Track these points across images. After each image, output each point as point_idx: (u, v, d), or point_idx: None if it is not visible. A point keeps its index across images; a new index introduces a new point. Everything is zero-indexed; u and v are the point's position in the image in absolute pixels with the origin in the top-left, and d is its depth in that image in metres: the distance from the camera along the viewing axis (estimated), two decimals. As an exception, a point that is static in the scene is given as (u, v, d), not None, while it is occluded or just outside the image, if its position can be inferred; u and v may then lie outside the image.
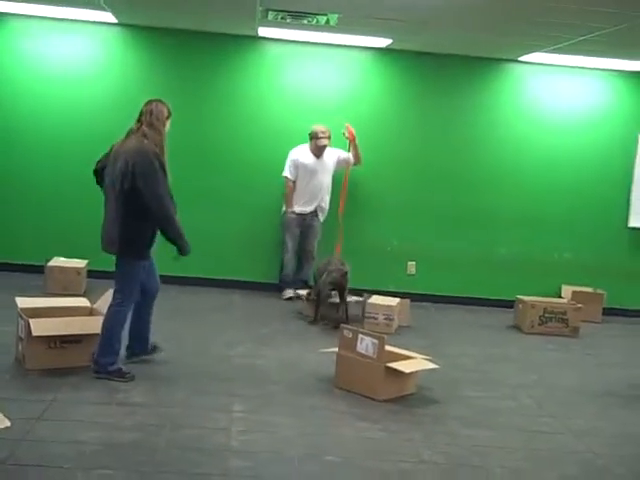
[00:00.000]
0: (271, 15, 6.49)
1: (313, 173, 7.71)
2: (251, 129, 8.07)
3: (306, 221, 7.80)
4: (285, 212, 7.81)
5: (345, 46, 7.96)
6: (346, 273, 6.82)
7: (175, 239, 5.01)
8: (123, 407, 4.48)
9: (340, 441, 4.29)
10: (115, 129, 7.84)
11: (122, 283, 5.09)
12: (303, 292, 7.36)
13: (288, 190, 7.74)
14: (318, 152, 7.69)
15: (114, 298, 5.07)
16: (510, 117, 8.28)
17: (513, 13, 5.91)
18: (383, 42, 7.67)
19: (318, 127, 7.66)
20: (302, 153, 7.72)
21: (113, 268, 7.55)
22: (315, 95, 8.12)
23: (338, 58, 8.10)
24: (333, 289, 6.88)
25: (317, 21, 6.54)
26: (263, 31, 7.57)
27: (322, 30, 7.15)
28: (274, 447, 4.11)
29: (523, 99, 8.28)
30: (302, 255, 7.92)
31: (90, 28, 7.86)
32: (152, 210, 4.92)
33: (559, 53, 7.38)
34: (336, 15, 6.37)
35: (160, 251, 5.27)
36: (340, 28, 6.97)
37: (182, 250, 5.06)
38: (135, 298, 5.11)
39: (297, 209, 7.76)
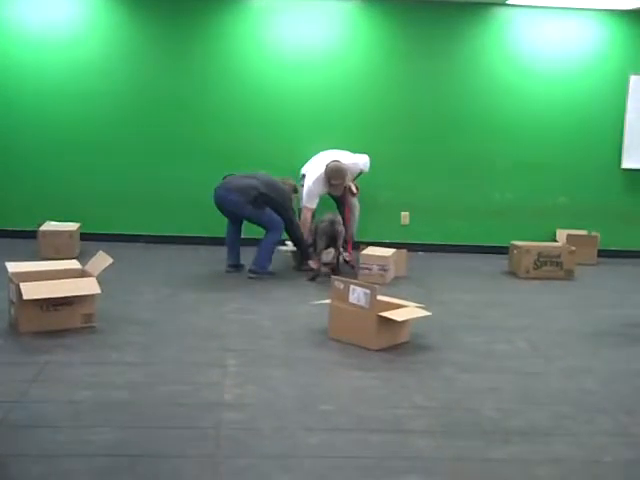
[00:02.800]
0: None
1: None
2: (236, 85, 8.02)
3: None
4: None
5: (330, -3, 7.86)
6: (334, 222, 6.78)
7: None
8: (116, 366, 4.49)
9: (334, 391, 4.30)
10: (99, 90, 7.91)
11: None
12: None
13: (305, 219, 7.19)
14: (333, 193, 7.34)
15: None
16: (500, 62, 8.20)
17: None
18: (368, -11, 7.56)
19: (330, 172, 7.06)
20: (320, 185, 7.16)
21: (104, 230, 7.67)
22: (300, 49, 8.04)
23: (322, 10, 8.00)
24: (328, 243, 6.85)
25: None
26: (246, -16, 7.47)
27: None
28: (268, 399, 4.11)
29: (513, 43, 8.19)
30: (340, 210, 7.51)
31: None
32: None
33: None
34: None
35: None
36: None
37: None
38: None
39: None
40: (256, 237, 6.95)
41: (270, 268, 6.94)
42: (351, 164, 7.35)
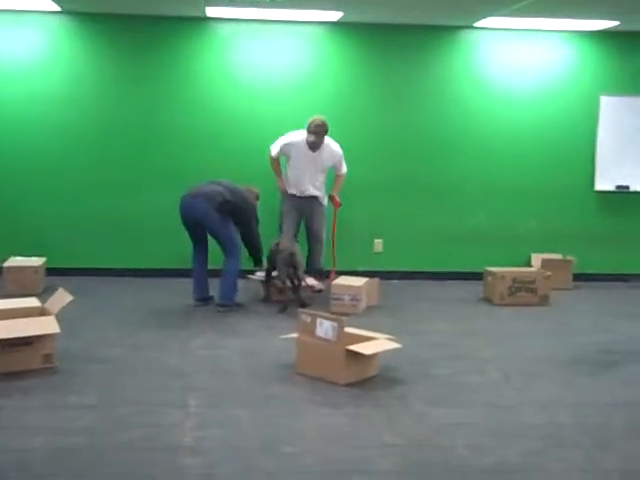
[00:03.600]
0: (214, -7, 6.29)
1: (301, 165, 7.23)
2: (204, 113, 7.91)
3: (303, 205, 7.35)
4: (281, 189, 7.42)
5: (298, 22, 7.78)
6: (294, 253, 6.67)
7: None
8: (74, 410, 4.32)
9: (300, 430, 4.14)
10: (67, 120, 7.78)
11: None
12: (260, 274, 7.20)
13: (273, 165, 7.34)
14: (310, 146, 7.20)
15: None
16: (469, 86, 8.14)
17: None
18: (334, 15, 7.49)
19: (313, 119, 7.06)
20: (298, 139, 7.18)
21: (71, 265, 7.51)
22: (269, 75, 7.94)
23: (290, 35, 7.93)
24: (288, 273, 6.72)
25: (262, -3, 6.35)
26: (211, 11, 7.37)
27: (271, 6, 6.95)
28: (229, 442, 3.96)
29: (481, 66, 8.13)
30: (310, 242, 7.45)
31: (33, 18, 7.64)
32: None
33: (515, 16, 7.22)
34: (280, -10, 6.19)
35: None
36: (288, 3, 6.78)
37: None
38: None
39: (290, 190, 7.36)
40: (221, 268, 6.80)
41: (237, 298, 6.80)
42: (334, 143, 7.30)
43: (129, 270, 7.92)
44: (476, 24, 7.78)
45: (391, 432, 4.12)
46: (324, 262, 7.50)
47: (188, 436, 4.00)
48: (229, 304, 6.70)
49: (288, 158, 7.32)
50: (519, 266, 7.87)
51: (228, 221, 6.71)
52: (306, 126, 7.11)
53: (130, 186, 7.92)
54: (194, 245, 6.91)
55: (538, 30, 7.93)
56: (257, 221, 6.92)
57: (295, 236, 7.37)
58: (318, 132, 7.09)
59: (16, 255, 7.43)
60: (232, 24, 7.79)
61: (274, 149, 7.30)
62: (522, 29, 7.90)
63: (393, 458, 3.81)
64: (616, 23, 7.49)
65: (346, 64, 8.02)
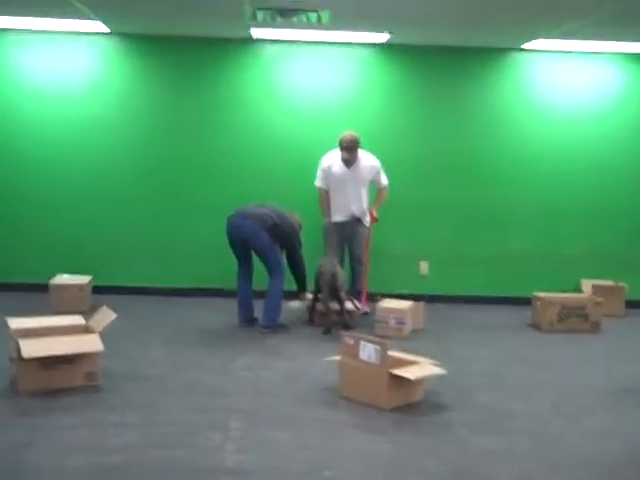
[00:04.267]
0: (260, 15, 6.31)
1: (342, 184, 7.24)
2: (249, 134, 7.93)
3: (345, 230, 7.35)
4: (325, 222, 7.42)
5: (343, 43, 7.78)
6: (336, 274, 6.63)
7: None
8: (114, 428, 4.30)
9: (341, 454, 4.07)
10: (115, 141, 7.86)
11: None
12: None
13: (322, 200, 7.37)
14: (345, 162, 7.23)
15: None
16: (519, 108, 8.04)
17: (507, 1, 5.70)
18: (382, 37, 7.46)
19: (343, 136, 7.10)
20: (333, 161, 7.26)
21: (117, 283, 7.56)
22: (314, 96, 7.96)
23: (337, 56, 7.93)
24: (331, 295, 6.67)
25: (308, 19, 6.35)
26: (257, 32, 7.40)
27: (316, 28, 6.95)
28: (270, 464, 3.90)
29: (531, 88, 8.03)
30: (352, 264, 7.48)
31: (83, 39, 7.76)
32: None
33: (564, 38, 7.12)
34: (327, 12, 6.18)
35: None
36: (334, 25, 6.77)
37: None
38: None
39: (334, 218, 7.36)
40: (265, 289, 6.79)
41: (281, 320, 6.77)
42: (370, 155, 7.28)
43: (174, 289, 7.94)
44: (524, 46, 7.68)
45: (433, 459, 4.02)
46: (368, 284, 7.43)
47: (229, 458, 3.95)
48: (272, 325, 6.67)
49: (329, 183, 7.30)
50: (568, 291, 7.69)
51: (275, 243, 6.73)
52: (338, 144, 7.12)
53: (175, 207, 7.96)
54: (240, 265, 6.90)
55: (587, 52, 7.81)
56: (300, 245, 6.96)
57: (340, 257, 7.32)
58: (350, 148, 7.09)
59: (62, 273, 7.49)
60: (277, 45, 7.82)
61: (318, 180, 7.34)
62: (570, 51, 7.79)
63: (436, 486, 3.71)
64: (671, 44, 7.35)
65: (392, 86, 7.98)
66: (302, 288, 7.09)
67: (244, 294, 6.90)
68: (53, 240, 7.93)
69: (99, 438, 4.16)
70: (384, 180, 7.41)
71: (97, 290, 7.44)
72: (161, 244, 7.96)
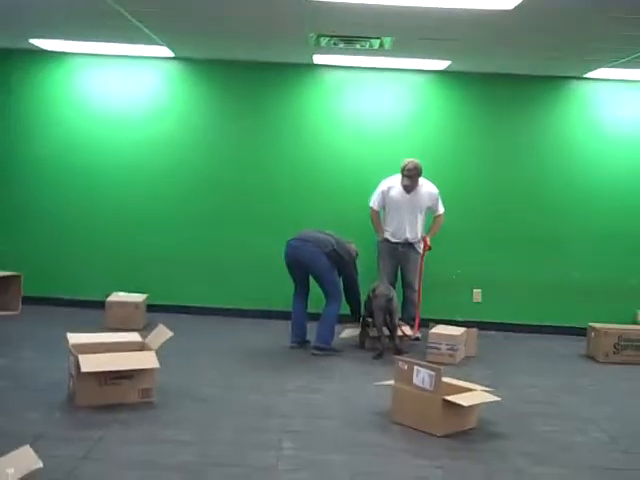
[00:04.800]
0: (323, 41, 6.38)
1: (398, 208, 7.28)
2: (309, 158, 7.99)
3: (398, 250, 7.37)
4: (379, 241, 7.47)
5: (403, 70, 7.82)
6: (391, 299, 6.63)
7: None
8: (169, 445, 4.35)
9: (393, 479, 4.05)
10: (178, 164, 8.00)
11: None
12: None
13: (373, 218, 7.42)
14: (405, 188, 7.24)
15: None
16: (579, 136, 7.97)
17: (570, 30, 5.68)
18: (442, 64, 7.49)
19: (406, 163, 7.12)
20: (393, 184, 7.27)
21: (171, 302, 7.66)
22: (374, 121, 8.00)
23: (397, 82, 7.97)
24: (384, 319, 6.67)
25: (371, 45, 6.40)
26: (319, 58, 7.48)
27: (378, 54, 7.01)
28: (323, 486, 3.91)
29: (591, 117, 7.96)
30: (404, 290, 7.46)
31: (147, 63, 7.94)
32: None
33: (624, 67, 7.05)
34: (390, 38, 6.22)
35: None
36: (396, 51, 6.82)
37: None
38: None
39: (388, 237, 7.40)
40: (320, 312, 6.82)
41: (334, 343, 6.78)
42: (430, 183, 7.32)
43: (228, 310, 8.00)
44: (587, 75, 7.63)
45: (489, 488, 3.98)
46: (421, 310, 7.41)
47: (282, 478, 3.96)
48: (325, 348, 6.68)
49: (385, 204, 7.34)
50: (624, 323, 7.55)
51: (334, 268, 6.80)
52: (400, 170, 7.15)
53: (233, 228, 8.03)
54: (296, 288, 6.95)
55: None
56: (357, 275, 7.03)
57: (392, 282, 7.31)
58: (411, 175, 7.12)
59: (119, 291, 7.62)
60: (339, 71, 7.90)
61: (373, 201, 7.38)
62: (634, 80, 7.70)
63: (491, 516, 3.67)
64: None
65: (450, 112, 7.99)
66: (357, 316, 7.12)
67: (299, 315, 6.94)
68: (110, 258, 8.07)
69: (155, 454, 4.22)
70: (441, 208, 7.42)
71: (152, 308, 7.54)
72: (218, 265, 8.03)
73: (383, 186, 7.32)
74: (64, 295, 8.00)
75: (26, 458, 3.31)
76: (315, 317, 6.83)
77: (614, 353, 6.96)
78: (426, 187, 7.30)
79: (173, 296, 8.02)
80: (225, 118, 8.06)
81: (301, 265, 6.80)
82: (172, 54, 7.68)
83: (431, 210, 7.42)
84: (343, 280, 6.98)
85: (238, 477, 3.96)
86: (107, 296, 7.40)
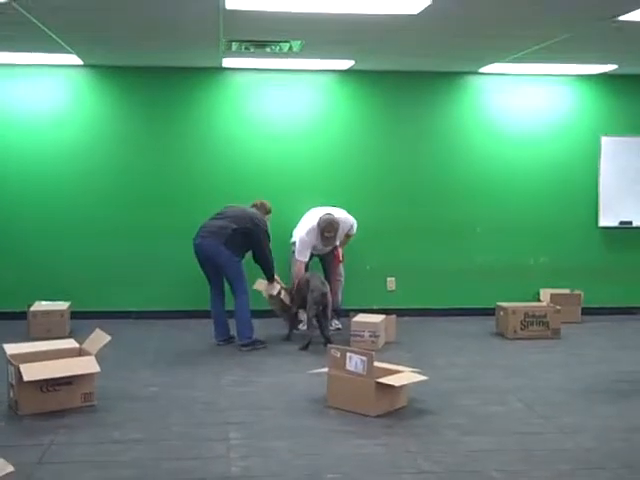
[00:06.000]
0: (235, 46, 6.60)
1: (322, 248, 7.54)
2: (220, 159, 8.18)
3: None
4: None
5: (309, 70, 8.11)
6: (326, 293, 6.91)
7: None
8: (120, 444, 4.50)
9: (338, 459, 4.34)
10: (88, 169, 8.04)
11: None
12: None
13: (298, 273, 7.32)
14: (325, 243, 7.38)
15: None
16: (476, 128, 8.46)
17: (467, 28, 6.07)
18: (346, 64, 7.81)
19: (322, 226, 7.20)
20: (313, 236, 7.34)
21: (95, 308, 7.69)
22: (283, 121, 8.25)
23: (303, 83, 8.26)
24: (317, 313, 6.95)
25: (280, 48, 6.66)
26: (227, 62, 7.68)
27: (286, 57, 7.27)
28: (274, 470, 4.16)
29: (487, 110, 8.46)
30: (327, 279, 7.51)
31: (56, 71, 7.95)
32: None
33: (518, 62, 7.55)
34: (299, 42, 6.49)
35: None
36: (303, 53, 7.09)
37: None
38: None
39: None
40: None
41: (256, 335, 6.99)
42: (343, 218, 7.51)
43: (150, 312, 8.11)
44: (481, 70, 8.12)
45: (426, 459, 4.31)
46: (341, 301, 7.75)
47: (235, 466, 4.19)
48: (248, 343, 6.90)
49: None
50: (528, 301, 8.09)
51: (236, 255, 6.91)
52: (318, 228, 7.27)
53: (149, 231, 8.13)
54: (211, 287, 7.13)
55: (540, 75, 8.27)
56: (268, 237, 7.08)
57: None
58: (331, 236, 7.29)
59: (35, 300, 7.60)
60: (247, 73, 8.13)
61: (300, 256, 7.37)
62: (525, 74, 8.24)
63: (433, 483, 4.00)
64: (614, 67, 7.84)
65: (356, 109, 8.34)
66: (270, 279, 7.19)
67: (217, 314, 7.11)
68: (27, 268, 8.04)
69: (108, 454, 4.36)
70: (354, 230, 7.73)
71: (73, 315, 7.56)
72: (136, 269, 8.13)
73: (309, 242, 7.36)
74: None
75: (-5, 465, 3.44)
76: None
77: (521, 329, 7.48)
78: (343, 225, 7.47)
79: (93, 302, 8.06)
80: (136, 124, 8.16)
81: (206, 262, 6.98)
82: (81, 62, 7.72)
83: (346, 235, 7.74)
84: (252, 250, 7.02)
85: (194, 468, 4.16)
86: (29, 306, 7.40)
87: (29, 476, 4.01)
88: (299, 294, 7.09)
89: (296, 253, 7.41)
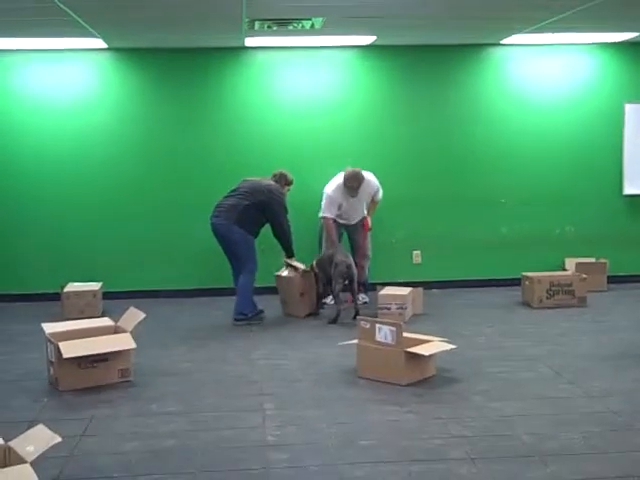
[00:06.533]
0: (257, 25, 6.67)
1: (348, 209, 7.67)
2: (246, 139, 8.26)
3: (344, 228, 7.81)
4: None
5: (330, 47, 8.15)
6: (350, 265, 7.02)
7: None
8: (158, 417, 4.65)
9: (371, 426, 4.45)
10: (115, 152, 8.17)
11: None
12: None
13: (330, 230, 7.48)
14: (350, 194, 7.50)
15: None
16: (499, 99, 8.47)
17: (489, 3, 6.09)
18: (367, 39, 7.85)
19: (346, 176, 7.38)
20: (338, 192, 7.50)
21: (127, 288, 7.84)
22: (306, 98, 8.31)
23: (325, 59, 8.30)
24: (344, 286, 7.05)
25: (302, 26, 6.71)
26: (250, 41, 7.75)
27: (307, 34, 7.32)
28: (309, 438, 4.28)
29: (509, 81, 8.47)
30: (355, 255, 7.68)
31: (81, 55, 8.06)
32: None
33: (539, 32, 7.55)
34: (320, 19, 6.55)
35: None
36: (325, 30, 7.14)
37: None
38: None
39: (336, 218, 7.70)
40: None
41: (258, 307, 7.08)
42: (369, 178, 7.62)
43: (179, 291, 8.26)
44: (503, 41, 8.12)
45: (457, 425, 4.41)
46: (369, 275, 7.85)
47: (270, 435, 4.32)
48: (242, 319, 6.98)
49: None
50: (554, 270, 8.13)
51: (250, 233, 6.96)
52: (343, 180, 7.44)
53: (177, 212, 8.23)
54: (231, 264, 7.22)
55: (562, 44, 8.25)
56: (286, 210, 7.06)
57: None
58: (352, 186, 7.43)
59: (72, 282, 7.77)
60: (269, 52, 8.19)
61: (327, 212, 7.52)
62: (547, 44, 8.23)
63: (464, 447, 4.10)
64: (636, 34, 7.81)
65: (379, 84, 8.38)
66: (289, 254, 7.25)
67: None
68: (59, 251, 8.21)
69: (147, 426, 4.51)
70: (379, 196, 7.82)
71: (104, 296, 7.71)
72: (165, 249, 8.26)
73: (333, 196, 7.50)
74: (12, 291, 8.12)
75: (42, 435, 3.59)
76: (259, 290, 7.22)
77: (547, 298, 7.53)
78: (368, 184, 7.59)
79: (124, 283, 8.21)
80: (161, 106, 8.25)
81: (221, 240, 7.07)
82: (105, 45, 7.82)
83: (373, 198, 7.83)
84: (270, 223, 7.05)
85: (231, 438, 4.29)
86: (63, 287, 7.56)
87: (74, 447, 4.16)
88: (323, 270, 7.18)
89: (323, 209, 7.55)
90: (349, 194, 7.51)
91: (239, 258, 7.06)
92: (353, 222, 7.80)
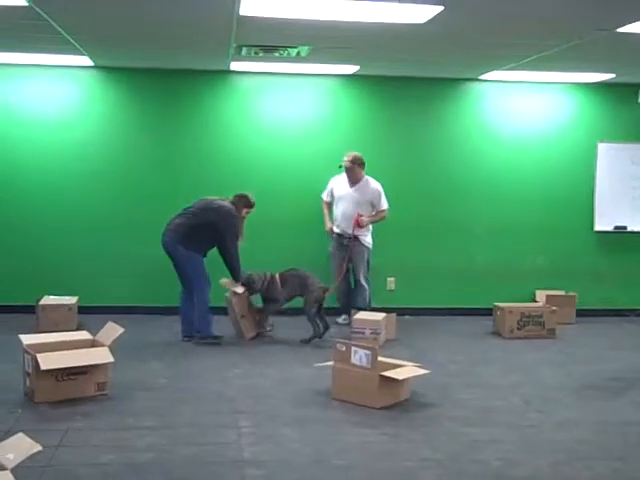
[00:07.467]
0: (244, 50, 6.79)
1: (343, 201, 7.92)
2: (227, 161, 8.35)
3: (345, 245, 7.92)
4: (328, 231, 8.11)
5: (314, 75, 8.29)
6: (327, 289, 7.20)
7: None
8: (135, 430, 4.70)
9: (344, 447, 4.54)
10: (95, 168, 8.22)
11: None
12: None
13: (323, 209, 8.16)
14: (348, 180, 7.89)
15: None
16: (476, 133, 8.65)
17: (469, 38, 6.26)
18: (351, 69, 8.01)
19: (346, 154, 7.84)
20: (339, 180, 7.98)
21: (102, 303, 7.84)
22: (288, 124, 8.43)
23: (308, 86, 8.44)
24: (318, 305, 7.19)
25: (288, 53, 6.85)
26: (235, 65, 7.87)
27: (293, 61, 7.46)
28: (284, 456, 4.35)
29: (486, 115, 8.67)
30: (355, 283, 8.07)
31: (66, 72, 8.11)
32: None
33: (518, 70, 7.76)
34: (307, 47, 6.68)
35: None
36: (310, 58, 7.28)
37: None
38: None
39: (335, 228, 8.02)
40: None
41: (213, 331, 7.09)
42: (372, 181, 7.94)
43: (152, 307, 8.25)
44: (482, 77, 8.33)
45: (429, 448, 4.52)
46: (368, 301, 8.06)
47: (246, 451, 4.39)
48: (204, 337, 7.02)
49: (333, 198, 8.01)
50: (524, 302, 8.29)
51: (196, 251, 6.92)
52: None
53: (155, 229, 8.12)
54: (181, 283, 7.19)
55: (539, 82, 8.48)
56: (236, 233, 7.00)
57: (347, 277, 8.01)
58: (348, 167, 7.79)
59: (48, 294, 7.77)
60: (254, 77, 8.31)
61: (324, 193, 8.11)
62: (524, 81, 8.45)
63: (435, 470, 4.21)
64: (612, 76, 8.06)
65: (360, 113, 8.53)
66: (235, 279, 7.15)
67: (184, 307, 7.17)
68: (35, 264, 8.21)
69: (124, 439, 4.56)
70: (383, 205, 7.97)
71: (80, 310, 7.70)
72: (142, 265, 8.23)
73: (332, 182, 8.02)
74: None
75: (22, 444, 3.61)
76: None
77: (518, 329, 7.68)
78: (369, 183, 7.90)
79: (100, 297, 8.21)
80: (145, 125, 8.32)
81: (170, 259, 7.06)
82: (91, 63, 7.89)
83: (374, 206, 7.96)
84: (218, 245, 6.98)
85: (208, 453, 4.35)
86: (38, 300, 7.56)
87: (51, 458, 4.19)
88: (287, 287, 7.25)
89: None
90: (348, 178, 7.82)
91: (187, 277, 7.06)
92: (349, 231, 7.87)
